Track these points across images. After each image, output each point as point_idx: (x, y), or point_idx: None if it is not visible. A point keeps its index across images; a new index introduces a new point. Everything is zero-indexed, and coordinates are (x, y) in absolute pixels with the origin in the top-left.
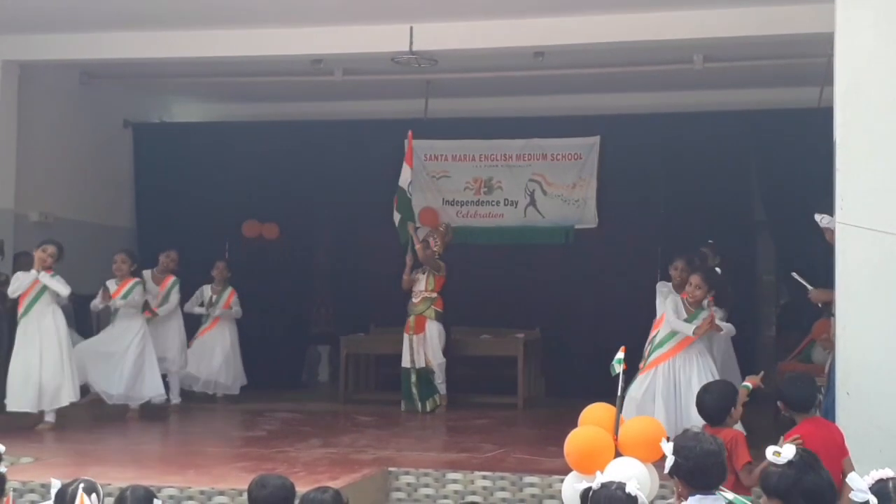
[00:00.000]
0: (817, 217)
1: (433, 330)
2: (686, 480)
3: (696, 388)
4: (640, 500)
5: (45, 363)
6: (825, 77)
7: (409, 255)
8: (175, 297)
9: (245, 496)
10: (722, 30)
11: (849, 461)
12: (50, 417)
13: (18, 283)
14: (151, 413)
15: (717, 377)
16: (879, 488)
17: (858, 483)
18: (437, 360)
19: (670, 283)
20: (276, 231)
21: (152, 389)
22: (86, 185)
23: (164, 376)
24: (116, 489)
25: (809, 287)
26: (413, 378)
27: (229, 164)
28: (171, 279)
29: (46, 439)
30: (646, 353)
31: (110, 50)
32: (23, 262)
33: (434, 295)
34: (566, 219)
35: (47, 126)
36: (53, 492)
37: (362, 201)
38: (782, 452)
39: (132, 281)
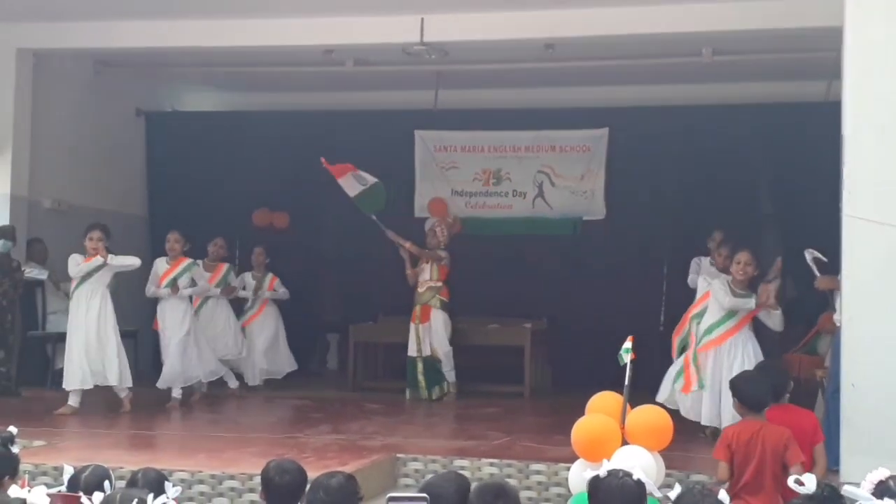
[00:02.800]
0: (806, 253)
1: (438, 319)
2: None
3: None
4: (647, 487)
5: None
6: (833, 71)
7: (404, 252)
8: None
9: (255, 480)
10: (731, 23)
11: (820, 448)
12: (73, 401)
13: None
14: (160, 399)
15: (760, 357)
16: (884, 489)
17: (860, 493)
18: (443, 349)
19: (705, 259)
20: (286, 220)
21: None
22: (99, 172)
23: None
24: (128, 472)
25: (818, 273)
26: (420, 367)
27: (240, 154)
28: (225, 266)
29: (60, 423)
30: (691, 335)
31: (124, 39)
32: (35, 248)
33: (439, 284)
34: (574, 210)
35: (61, 114)
36: (66, 477)
37: None
38: (805, 483)
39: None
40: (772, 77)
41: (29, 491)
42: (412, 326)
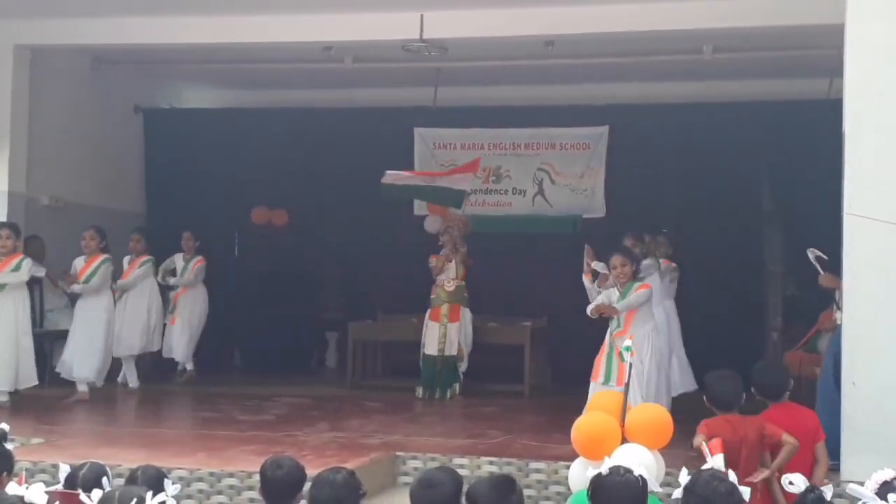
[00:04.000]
0: (808, 252)
1: (467, 317)
2: None
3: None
4: (649, 484)
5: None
6: (835, 68)
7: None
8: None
9: (254, 478)
10: (732, 20)
11: (821, 447)
12: (83, 388)
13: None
14: (158, 395)
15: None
16: (889, 489)
17: (864, 492)
18: (468, 347)
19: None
20: (284, 217)
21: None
22: (96, 169)
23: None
24: (126, 470)
25: (822, 271)
26: (438, 366)
27: (239, 151)
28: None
29: (58, 420)
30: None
31: (121, 35)
32: (33, 245)
33: (463, 283)
34: (574, 208)
35: (58, 111)
36: (62, 475)
37: (371, 189)
38: (794, 482)
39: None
40: (773, 74)
41: (27, 488)
42: (435, 325)
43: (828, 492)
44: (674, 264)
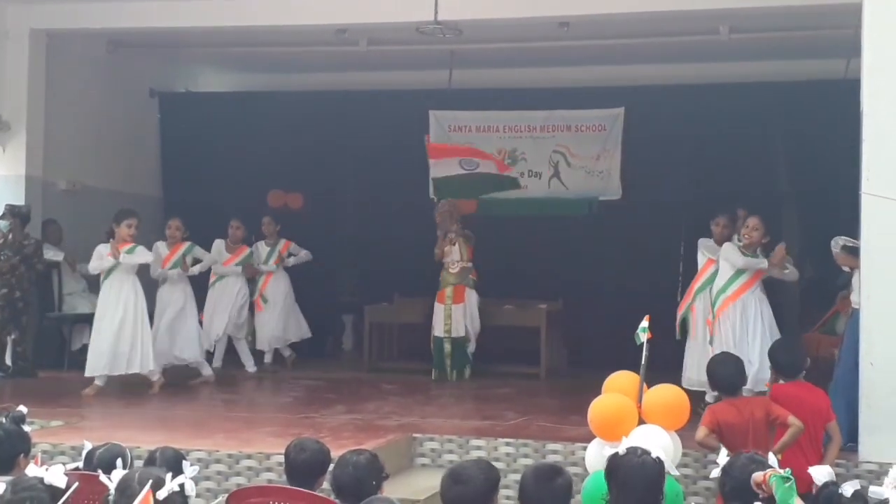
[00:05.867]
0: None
1: (472, 298)
2: (725, 498)
3: (759, 332)
4: (665, 465)
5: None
6: (852, 48)
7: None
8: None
9: (272, 459)
10: (748, 0)
11: (834, 426)
12: (100, 381)
13: (98, 263)
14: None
15: (773, 322)
16: None
17: (884, 491)
18: (475, 329)
19: (711, 240)
20: (300, 201)
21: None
22: (113, 153)
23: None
24: (145, 452)
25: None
26: (448, 348)
27: (254, 134)
28: (247, 249)
29: (77, 403)
30: (692, 308)
31: (137, 19)
32: (51, 229)
33: (469, 265)
34: (590, 190)
35: (75, 95)
36: (84, 453)
37: (386, 171)
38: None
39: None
40: (789, 55)
41: (46, 469)
42: (441, 307)
43: (850, 488)
44: None
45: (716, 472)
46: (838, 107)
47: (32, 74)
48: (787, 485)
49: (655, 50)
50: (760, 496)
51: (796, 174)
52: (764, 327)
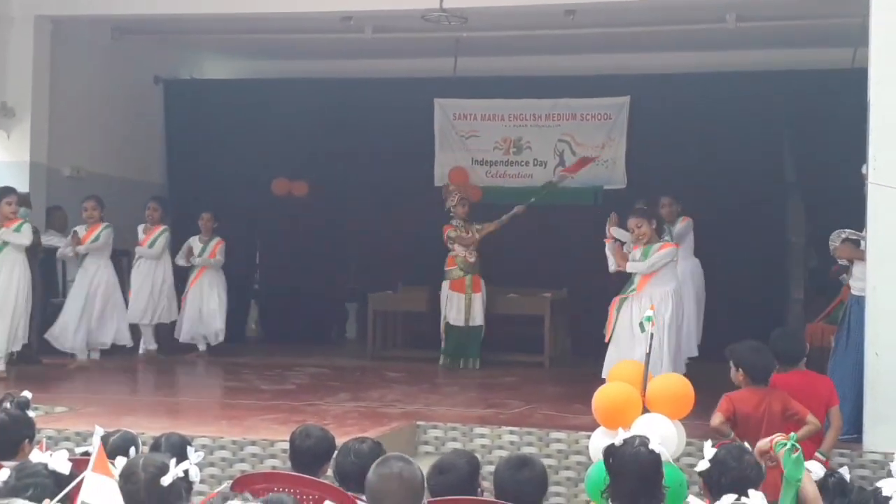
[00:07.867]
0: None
1: (484, 287)
2: (710, 489)
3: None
4: (663, 457)
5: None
6: (859, 37)
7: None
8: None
9: (276, 446)
10: None
11: (835, 411)
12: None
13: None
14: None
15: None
16: None
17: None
18: (482, 317)
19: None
20: (305, 189)
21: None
22: (117, 140)
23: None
24: (150, 438)
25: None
26: (464, 337)
27: (259, 122)
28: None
29: (80, 389)
30: None
31: (142, 5)
32: (55, 216)
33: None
34: (595, 179)
35: (79, 81)
36: (96, 438)
37: (391, 159)
38: (812, 470)
39: (102, 226)
40: (796, 44)
41: (51, 455)
42: (460, 297)
43: (846, 473)
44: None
45: (702, 465)
46: (845, 96)
47: (37, 61)
48: (794, 456)
49: (661, 38)
50: (765, 466)
51: (802, 164)
52: (674, 315)
